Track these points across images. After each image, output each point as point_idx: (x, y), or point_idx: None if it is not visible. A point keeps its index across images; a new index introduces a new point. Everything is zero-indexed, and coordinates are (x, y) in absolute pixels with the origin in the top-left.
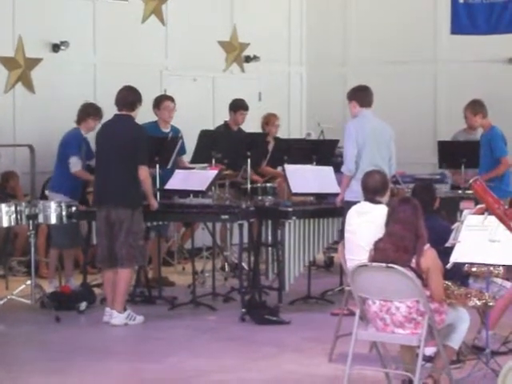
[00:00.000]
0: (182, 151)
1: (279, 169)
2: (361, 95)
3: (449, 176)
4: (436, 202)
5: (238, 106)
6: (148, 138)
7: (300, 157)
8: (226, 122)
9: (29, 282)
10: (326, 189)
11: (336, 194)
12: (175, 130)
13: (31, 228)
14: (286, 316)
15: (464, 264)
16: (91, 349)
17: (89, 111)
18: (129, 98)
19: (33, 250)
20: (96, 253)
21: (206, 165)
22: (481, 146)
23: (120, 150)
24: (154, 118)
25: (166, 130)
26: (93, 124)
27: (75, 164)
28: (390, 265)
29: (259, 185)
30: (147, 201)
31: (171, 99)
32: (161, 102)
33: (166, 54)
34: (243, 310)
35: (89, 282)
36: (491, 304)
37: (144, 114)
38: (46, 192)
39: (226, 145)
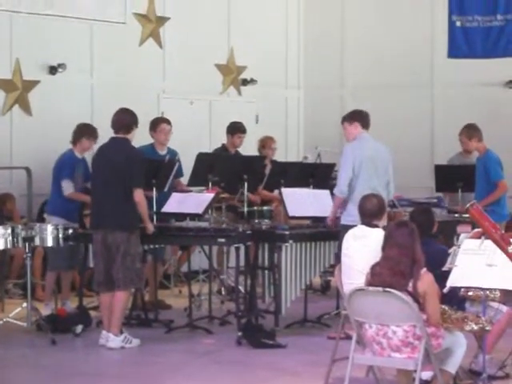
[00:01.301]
0: (180, 173)
1: (276, 192)
2: (362, 117)
3: (445, 200)
4: (434, 226)
5: (235, 129)
6: (145, 161)
7: (297, 180)
8: (223, 144)
9: (25, 305)
10: (322, 212)
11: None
12: (172, 153)
13: (27, 250)
14: (283, 339)
15: (460, 288)
16: (87, 372)
17: (83, 131)
18: (125, 120)
19: (29, 272)
20: (93, 276)
21: (202, 188)
22: (476, 170)
23: (116, 173)
24: (151, 141)
25: (163, 152)
26: (88, 144)
27: (67, 187)
28: (386, 289)
29: (256, 208)
30: (143, 224)
31: (167, 121)
32: (157, 124)
33: (163, 77)
34: (240, 333)
35: (85, 304)
36: (488, 328)
37: (141, 137)
38: (45, 215)
39: (222, 168)
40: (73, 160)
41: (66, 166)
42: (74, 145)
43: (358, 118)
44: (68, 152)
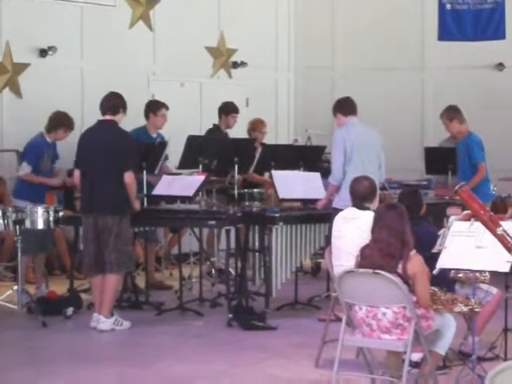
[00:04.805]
0: (166, 157)
1: (266, 175)
2: (342, 105)
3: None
4: (422, 208)
5: (229, 109)
6: (136, 144)
7: (287, 163)
8: (215, 124)
9: (15, 288)
10: (313, 194)
11: None
12: (161, 137)
13: (18, 233)
14: (273, 322)
15: (450, 270)
16: (78, 354)
17: (63, 122)
18: (111, 101)
19: (19, 255)
20: (82, 259)
21: (193, 170)
22: (458, 153)
23: (106, 157)
24: (141, 123)
25: (154, 135)
26: (63, 136)
27: (23, 168)
28: (376, 271)
29: (246, 190)
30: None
31: (166, 107)
32: (158, 108)
33: (153, 59)
34: (230, 315)
35: (76, 287)
36: (477, 310)
37: (131, 118)
38: (11, 198)
39: (213, 150)
40: (42, 145)
41: (32, 150)
42: (49, 132)
43: (337, 108)
44: (38, 136)
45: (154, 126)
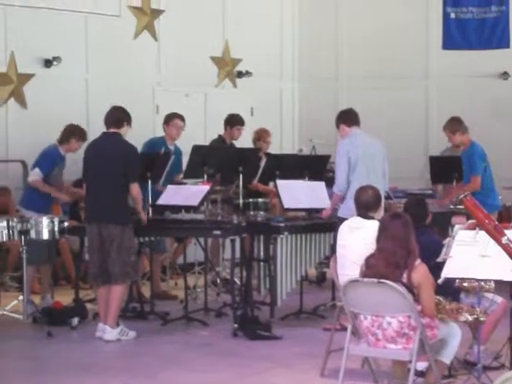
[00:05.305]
0: (180, 169)
1: (271, 184)
2: (345, 116)
3: (440, 192)
4: (428, 217)
5: (235, 121)
6: (139, 155)
7: (292, 172)
8: (220, 135)
9: (21, 298)
10: (318, 204)
11: None
12: (177, 150)
13: (23, 243)
14: (278, 331)
15: (455, 279)
16: (83, 364)
17: (74, 132)
18: (115, 114)
19: (25, 265)
20: (88, 269)
21: (198, 180)
22: (463, 163)
23: (110, 167)
24: (150, 133)
25: (171, 146)
26: (75, 146)
27: (33, 175)
28: (381, 280)
29: (251, 200)
30: (137, 214)
31: (181, 118)
32: (171, 118)
33: (158, 70)
34: (235, 325)
35: (81, 297)
36: (483, 319)
37: (136, 129)
38: (18, 207)
39: (218, 160)
40: (55, 156)
41: (46, 158)
42: (61, 143)
43: (341, 119)
44: (53, 147)
45: (169, 137)
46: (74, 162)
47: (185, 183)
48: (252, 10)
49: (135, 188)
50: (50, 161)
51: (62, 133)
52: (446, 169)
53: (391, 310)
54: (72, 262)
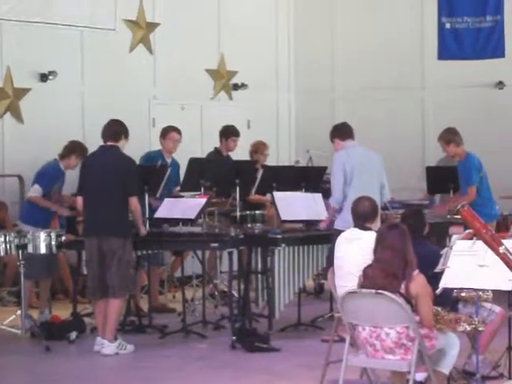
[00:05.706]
0: (178, 181)
1: (268, 196)
2: (339, 131)
3: (436, 201)
4: (426, 227)
5: (229, 133)
6: (137, 168)
7: (289, 184)
8: (216, 148)
9: (19, 312)
10: (315, 215)
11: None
12: (175, 163)
13: (21, 258)
14: (277, 343)
15: (453, 289)
16: (82, 378)
17: (76, 149)
18: (112, 128)
19: (22, 279)
20: (86, 283)
21: (195, 193)
22: (459, 174)
23: (108, 181)
24: (142, 147)
25: (168, 159)
26: (74, 163)
27: (34, 191)
28: (379, 291)
29: (248, 212)
30: (136, 229)
31: (177, 131)
32: (167, 132)
33: (153, 83)
34: (234, 337)
35: (79, 311)
36: (481, 329)
37: (132, 143)
38: (17, 221)
39: (214, 173)
40: (56, 172)
41: (45, 175)
42: (62, 159)
43: (334, 134)
44: (53, 162)
45: (165, 150)
46: (72, 177)
47: (182, 196)
48: (247, 22)
49: (134, 201)
50: (49, 178)
51: (64, 148)
52: (442, 179)
53: (389, 321)
54: (70, 276)
